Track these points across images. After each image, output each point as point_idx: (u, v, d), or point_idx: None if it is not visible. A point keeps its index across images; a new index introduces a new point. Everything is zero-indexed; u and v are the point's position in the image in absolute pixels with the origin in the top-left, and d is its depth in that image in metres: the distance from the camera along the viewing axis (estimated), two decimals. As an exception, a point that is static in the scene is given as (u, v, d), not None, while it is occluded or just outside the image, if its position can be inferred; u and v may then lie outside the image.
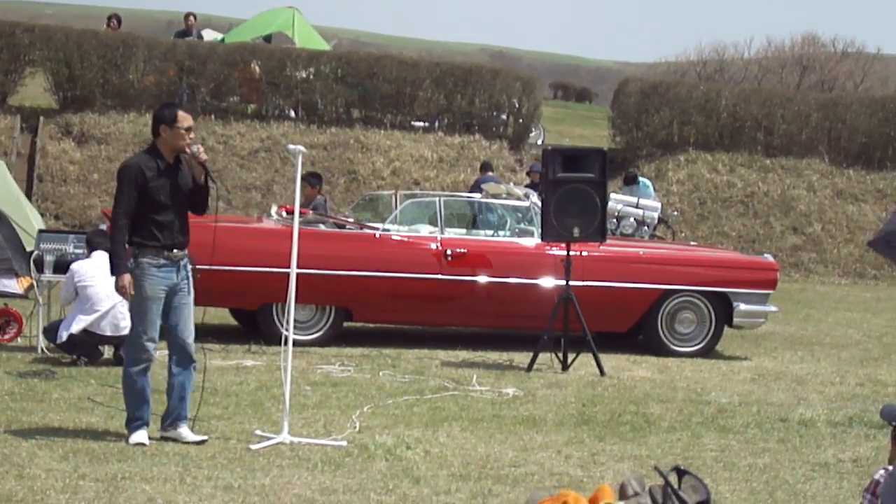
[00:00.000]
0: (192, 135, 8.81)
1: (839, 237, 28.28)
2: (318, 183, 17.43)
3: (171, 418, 8.87)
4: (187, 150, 8.73)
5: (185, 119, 8.78)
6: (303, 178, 16.37)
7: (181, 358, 8.87)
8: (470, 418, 10.08)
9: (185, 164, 8.81)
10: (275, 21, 32.03)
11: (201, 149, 8.82)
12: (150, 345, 8.73)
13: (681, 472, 6.82)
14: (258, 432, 9.05)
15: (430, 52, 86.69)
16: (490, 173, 23.72)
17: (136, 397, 8.77)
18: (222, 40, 30.61)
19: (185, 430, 8.82)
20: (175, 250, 8.74)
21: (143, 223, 8.70)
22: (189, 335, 8.86)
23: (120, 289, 8.69)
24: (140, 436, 8.68)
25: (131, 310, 8.88)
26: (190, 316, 8.86)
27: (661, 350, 14.42)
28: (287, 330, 9.21)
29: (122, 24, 29.25)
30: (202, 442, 8.71)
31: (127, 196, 8.70)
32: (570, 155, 13.63)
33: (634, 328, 14.69)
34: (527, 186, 19.87)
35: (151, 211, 8.68)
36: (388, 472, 8.19)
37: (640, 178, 25.63)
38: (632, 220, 23.72)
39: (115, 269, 8.69)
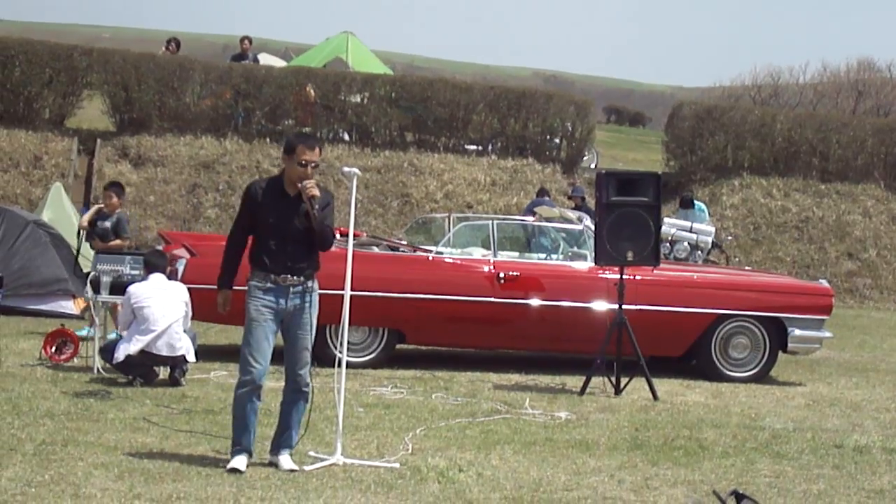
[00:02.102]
0: (309, 170, 8.58)
1: (894, 263, 28.06)
2: (122, 193, 16.05)
3: (275, 445, 8.81)
4: (298, 184, 8.59)
5: (303, 153, 8.58)
6: (106, 188, 15.79)
7: (291, 387, 8.78)
8: (522, 441, 10.07)
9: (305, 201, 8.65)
10: (328, 47, 32.29)
11: (310, 184, 8.57)
12: (255, 367, 8.55)
13: (739, 497, 6.78)
14: (312, 453, 9.06)
15: (484, 76, 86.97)
16: (546, 198, 23.72)
17: (238, 421, 8.65)
18: None
19: (283, 458, 8.73)
20: (285, 276, 8.59)
21: (256, 246, 8.66)
22: (300, 366, 8.72)
23: (216, 304, 8.67)
24: (237, 462, 8.53)
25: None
26: (304, 348, 8.71)
27: (714, 375, 14.34)
28: (340, 352, 9.22)
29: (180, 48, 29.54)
30: (293, 471, 8.62)
31: (240, 214, 8.80)
32: (625, 179, 13.58)
33: (688, 353, 14.63)
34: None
35: (263, 235, 8.63)
36: (441, 494, 8.19)
37: (696, 202, 25.58)
38: (685, 244, 23.62)
39: (217, 283, 8.72)
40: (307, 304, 8.72)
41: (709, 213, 26.05)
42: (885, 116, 51.99)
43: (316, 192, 8.59)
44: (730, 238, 26.93)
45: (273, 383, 9.99)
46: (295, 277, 8.65)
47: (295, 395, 8.80)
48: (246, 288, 8.66)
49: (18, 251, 16.91)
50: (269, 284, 8.61)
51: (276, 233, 8.62)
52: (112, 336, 13.08)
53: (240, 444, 8.64)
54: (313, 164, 8.66)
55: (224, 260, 8.76)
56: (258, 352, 8.59)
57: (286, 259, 8.62)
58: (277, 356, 8.74)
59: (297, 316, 8.69)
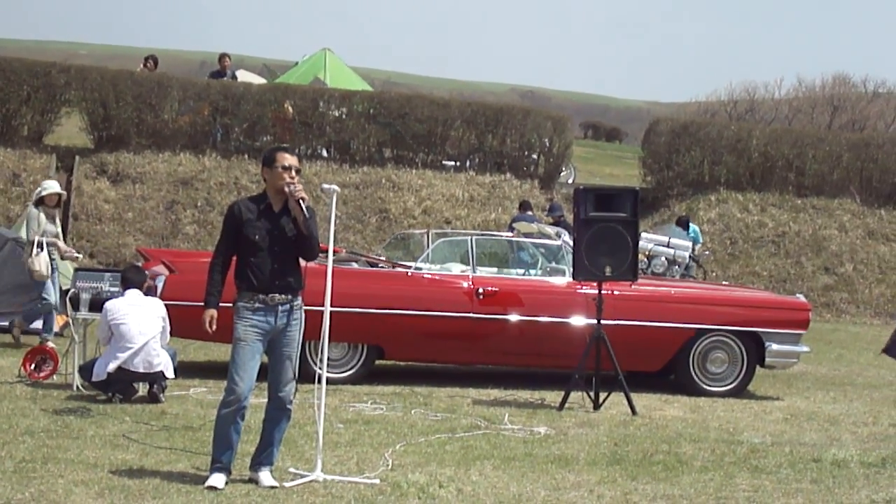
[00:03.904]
0: (293, 174, 8.58)
1: (871, 277, 28.19)
2: None
3: (255, 461, 8.78)
4: (286, 189, 8.58)
5: (283, 158, 8.60)
6: None
7: (274, 405, 8.76)
8: (502, 457, 10.09)
9: (292, 207, 8.63)
10: (306, 65, 32.32)
11: (299, 187, 8.57)
12: (238, 386, 8.51)
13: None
14: (292, 470, 9.07)
15: (462, 91, 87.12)
16: (529, 212, 23.79)
17: (219, 439, 8.62)
18: None
19: (264, 475, 8.69)
20: (273, 294, 8.59)
21: (241, 266, 8.62)
22: (283, 385, 8.69)
23: (202, 322, 8.64)
24: (214, 479, 8.50)
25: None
26: (288, 366, 8.69)
27: (692, 389, 14.40)
28: (320, 368, 9.24)
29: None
30: (273, 488, 8.59)
31: (223, 234, 8.74)
32: (602, 194, 13.59)
33: (666, 367, 14.68)
34: (547, 227, 19.90)
35: (248, 253, 8.59)
36: (421, 510, 8.21)
37: (692, 226, 25.76)
38: (663, 259, 23.70)
39: (204, 303, 8.68)
40: (294, 322, 8.73)
41: (700, 237, 26.16)
42: (860, 131, 52.31)
43: (304, 194, 8.60)
44: (707, 253, 27.02)
45: (254, 400, 9.98)
46: (282, 295, 8.64)
47: (278, 412, 8.79)
48: (228, 305, 8.66)
49: (-3, 268, 16.84)
50: (257, 304, 8.59)
51: (263, 250, 8.59)
52: None
53: (220, 461, 8.61)
54: (296, 168, 8.66)
55: (209, 281, 8.69)
56: (244, 372, 8.55)
57: (273, 277, 8.60)
58: (260, 373, 8.73)
59: (284, 333, 8.69)
